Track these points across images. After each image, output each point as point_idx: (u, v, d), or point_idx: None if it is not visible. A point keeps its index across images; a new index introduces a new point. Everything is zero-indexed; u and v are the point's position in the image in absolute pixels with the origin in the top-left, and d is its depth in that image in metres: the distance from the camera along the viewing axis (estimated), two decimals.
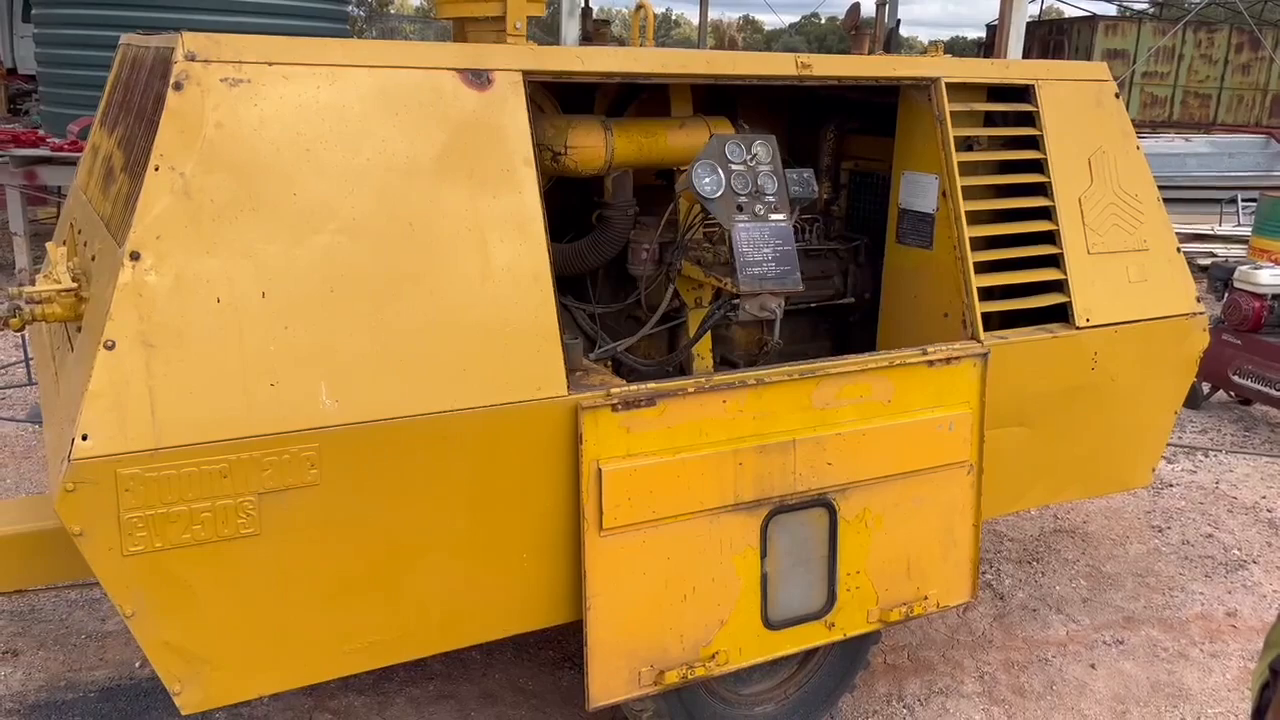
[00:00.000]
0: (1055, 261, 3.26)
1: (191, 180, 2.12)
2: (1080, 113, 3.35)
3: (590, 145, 2.87)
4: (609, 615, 2.57)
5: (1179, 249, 3.52)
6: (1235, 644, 3.75)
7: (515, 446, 2.40)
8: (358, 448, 2.22)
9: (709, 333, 3.27)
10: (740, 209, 2.72)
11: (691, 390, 2.58)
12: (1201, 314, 3.51)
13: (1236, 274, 6.12)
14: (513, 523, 2.45)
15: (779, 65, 2.87)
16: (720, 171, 2.70)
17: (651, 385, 2.54)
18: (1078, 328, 3.23)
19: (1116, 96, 3.44)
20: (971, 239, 3.09)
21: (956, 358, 2.97)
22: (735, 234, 2.70)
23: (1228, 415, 6.27)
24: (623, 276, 3.22)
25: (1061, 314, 3.26)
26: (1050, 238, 3.26)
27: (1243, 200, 11.49)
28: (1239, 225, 11.06)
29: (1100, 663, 3.60)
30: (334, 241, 2.24)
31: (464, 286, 2.35)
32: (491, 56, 2.46)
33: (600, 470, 2.48)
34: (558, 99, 3.10)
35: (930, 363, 2.92)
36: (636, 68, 2.66)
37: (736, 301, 2.77)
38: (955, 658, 3.60)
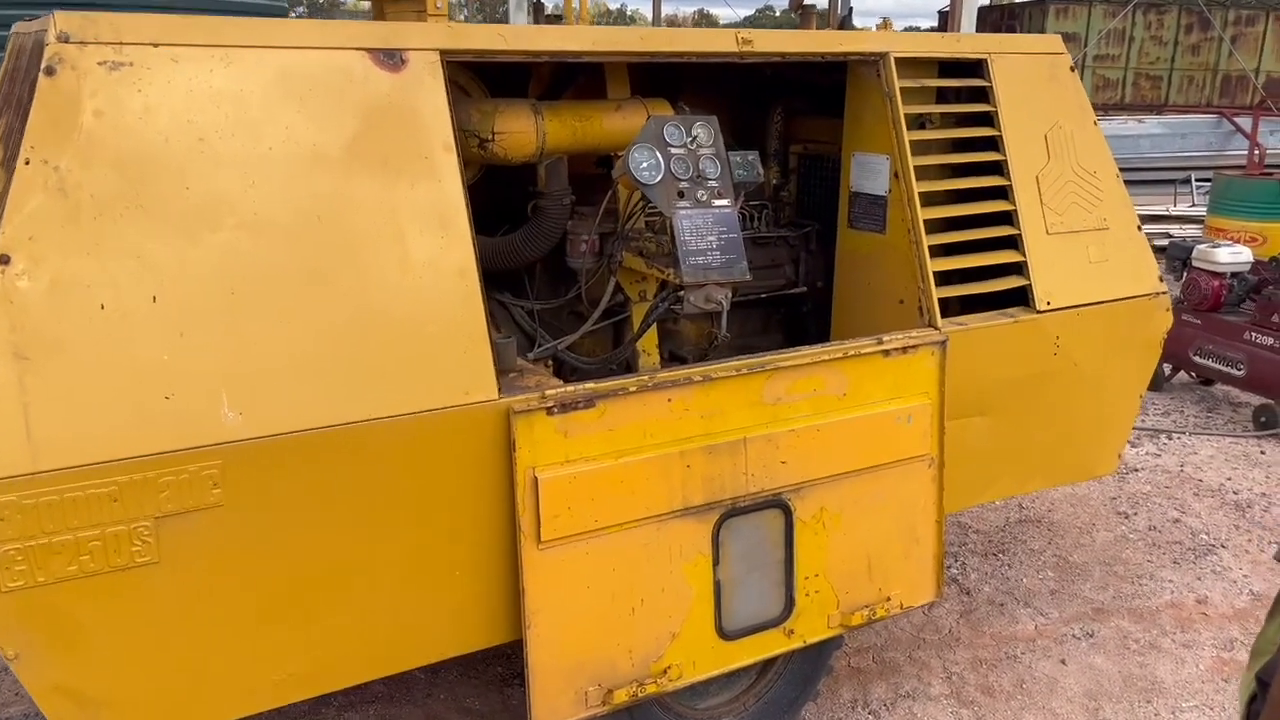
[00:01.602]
0: (1013, 243, 3.13)
1: (68, 175, 1.92)
2: (1035, 87, 3.22)
3: (519, 130, 2.69)
4: (551, 633, 2.40)
5: (1139, 227, 3.41)
6: (1207, 633, 3.65)
7: (442, 456, 2.22)
8: (266, 464, 2.03)
9: (655, 327, 3.11)
10: (681, 195, 2.55)
11: (633, 389, 2.41)
12: (1164, 293, 3.39)
13: (1195, 253, 6.04)
14: (443, 539, 2.27)
15: (718, 41, 2.70)
16: (659, 155, 2.53)
17: (589, 385, 2.37)
18: (1038, 311, 3.10)
19: (1072, 70, 3.32)
20: (926, 222, 2.95)
21: (913, 346, 2.82)
22: (677, 221, 2.54)
23: (1189, 396, 6.20)
24: (562, 270, 3.04)
25: (1021, 297, 3.13)
26: (1007, 218, 3.13)
27: (1196, 180, 11.50)
28: (1193, 205, 11.07)
29: (1071, 658, 3.47)
30: (233, 239, 2.04)
31: (381, 284, 2.16)
32: (405, 35, 2.27)
33: (536, 478, 2.31)
34: (487, 85, 2.91)
35: (886, 352, 2.78)
36: (565, 45, 2.49)
37: (681, 294, 2.61)
38: (921, 658, 3.47)
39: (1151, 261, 3.39)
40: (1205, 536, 4.36)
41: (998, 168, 3.13)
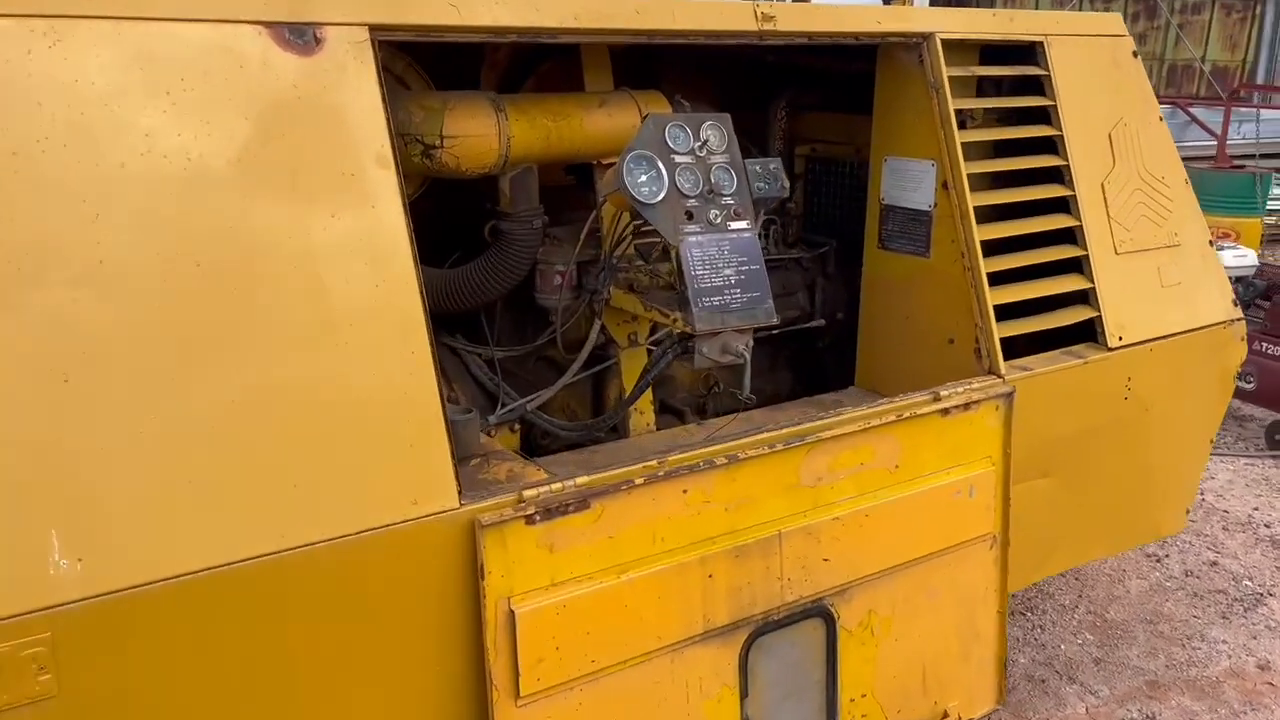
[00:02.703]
0: (1078, 266, 2.58)
1: None
2: (1097, 76, 2.68)
3: (477, 134, 2.05)
4: None
5: (1211, 242, 2.89)
6: (1279, 707, 3.15)
7: (382, 594, 1.59)
8: (120, 631, 1.39)
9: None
10: (690, 216, 1.95)
11: (640, 481, 1.80)
12: (1240, 320, 2.88)
13: None
14: (388, 705, 1.64)
15: (733, 18, 2.10)
16: (661, 166, 1.93)
17: (581, 481, 1.75)
18: (1110, 349, 2.56)
19: (1134, 56, 2.78)
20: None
21: (975, 401, 2.25)
22: (685, 251, 1.94)
23: None
24: (530, 309, 2.40)
25: (1086, 331, 2.58)
26: (1070, 236, 2.58)
27: None
28: None
29: None
30: (67, 300, 1.39)
31: (288, 356, 1.52)
32: (320, 4, 1.63)
33: (513, 612, 1.69)
34: (429, 72, 2.26)
35: (945, 411, 2.21)
36: (538, 20, 1.86)
37: (690, 343, 2.01)
38: None
39: (1225, 282, 2.88)
40: (1249, 583, 3.88)
41: (1058, 175, 2.58)
